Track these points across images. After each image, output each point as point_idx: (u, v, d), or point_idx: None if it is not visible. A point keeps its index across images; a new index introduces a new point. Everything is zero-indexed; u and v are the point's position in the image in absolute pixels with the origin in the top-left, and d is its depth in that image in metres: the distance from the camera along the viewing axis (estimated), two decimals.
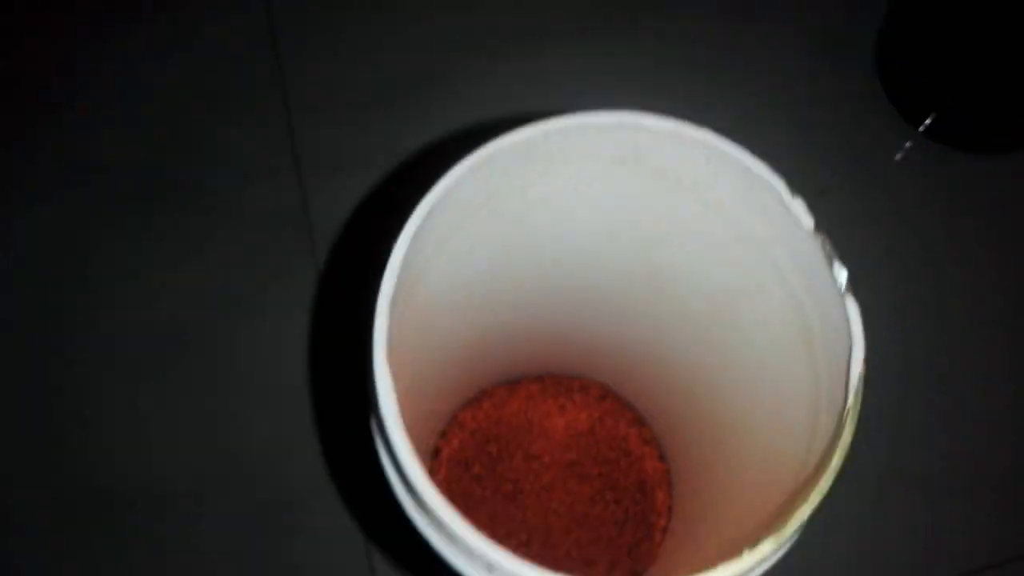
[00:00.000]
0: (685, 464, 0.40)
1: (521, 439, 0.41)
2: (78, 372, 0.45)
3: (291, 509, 0.42)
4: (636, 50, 0.52)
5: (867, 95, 0.50)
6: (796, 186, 0.24)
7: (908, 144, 0.50)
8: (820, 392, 0.24)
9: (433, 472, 0.41)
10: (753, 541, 0.20)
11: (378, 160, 0.50)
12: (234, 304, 0.47)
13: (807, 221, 0.23)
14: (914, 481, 0.43)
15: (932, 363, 0.45)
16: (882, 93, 0.50)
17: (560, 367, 0.43)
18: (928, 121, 0.48)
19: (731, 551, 0.24)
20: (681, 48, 0.52)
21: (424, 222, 0.24)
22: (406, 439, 0.21)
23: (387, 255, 0.24)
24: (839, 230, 0.48)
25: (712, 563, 0.20)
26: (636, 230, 0.29)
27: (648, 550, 0.39)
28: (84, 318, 0.46)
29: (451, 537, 0.21)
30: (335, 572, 0.42)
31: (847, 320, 0.22)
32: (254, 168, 0.50)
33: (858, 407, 0.22)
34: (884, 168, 0.49)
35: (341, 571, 0.42)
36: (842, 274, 0.23)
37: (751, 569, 0.20)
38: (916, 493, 0.42)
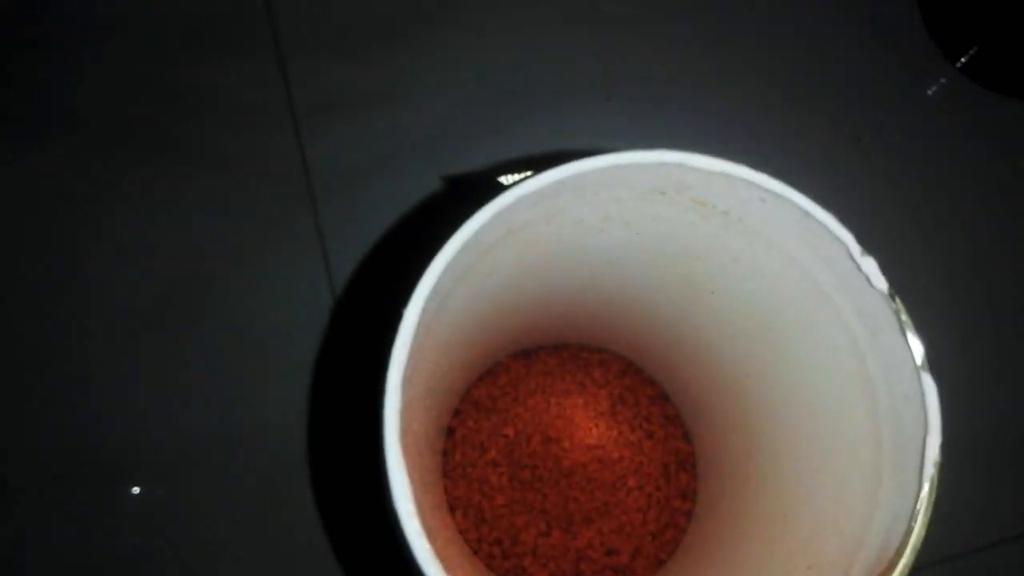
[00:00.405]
0: (711, 446, 0.38)
1: (539, 421, 0.39)
2: (62, 332, 0.42)
3: (279, 478, 0.41)
4: None
5: (906, 27, 0.46)
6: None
7: (943, 80, 0.46)
8: (882, 456, 0.22)
9: (447, 454, 0.40)
10: None
11: (376, 100, 0.46)
12: (227, 257, 0.44)
13: (880, 283, 0.20)
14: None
15: (965, 301, 0.43)
16: (921, 25, 0.46)
17: (578, 339, 0.41)
18: (965, 59, 0.44)
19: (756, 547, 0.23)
20: None
21: (437, 280, 0.21)
22: (429, 551, 0.19)
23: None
24: (872, 175, 0.46)
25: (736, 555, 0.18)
26: (669, 247, 0.26)
27: (672, 537, 0.38)
28: (69, 274, 0.43)
29: None
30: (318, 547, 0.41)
31: (921, 398, 0.20)
32: (245, 111, 0.46)
33: (932, 498, 0.20)
34: (918, 106, 0.46)
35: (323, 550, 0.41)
36: (919, 348, 0.20)
37: None
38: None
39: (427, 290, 0.20)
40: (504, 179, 0.22)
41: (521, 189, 0.21)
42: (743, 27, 0.47)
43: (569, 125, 0.47)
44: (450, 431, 0.40)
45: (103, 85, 0.46)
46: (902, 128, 0.47)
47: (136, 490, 0.41)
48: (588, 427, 0.39)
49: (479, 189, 0.23)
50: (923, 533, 0.19)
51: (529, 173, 0.22)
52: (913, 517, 0.19)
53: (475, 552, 0.37)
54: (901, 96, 0.47)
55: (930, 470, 0.20)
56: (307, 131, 0.45)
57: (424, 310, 0.21)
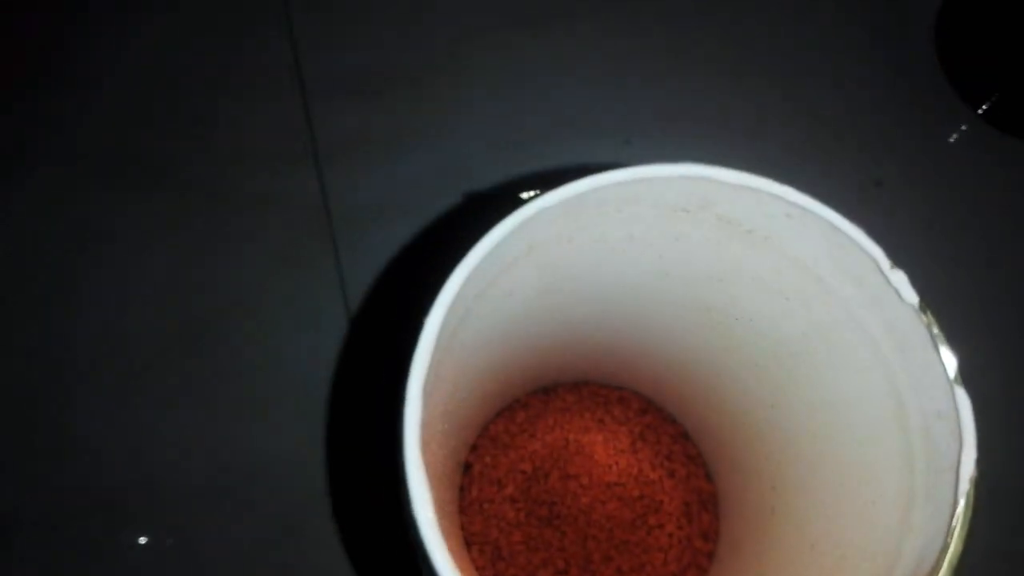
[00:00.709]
0: (734, 485, 0.37)
1: (557, 457, 0.39)
2: (81, 368, 0.42)
3: (297, 516, 0.40)
4: (673, 30, 0.48)
5: (926, 74, 0.46)
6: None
7: (964, 127, 0.46)
8: (915, 478, 0.21)
9: (464, 490, 0.39)
10: None
11: (395, 141, 0.47)
12: (248, 297, 0.44)
13: (910, 296, 0.20)
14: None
15: (990, 344, 0.43)
16: (941, 72, 0.46)
17: (598, 376, 0.40)
18: (986, 105, 0.45)
19: None
20: (733, 27, 0.48)
21: (460, 289, 0.21)
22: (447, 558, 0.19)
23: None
24: (896, 220, 0.46)
25: None
26: (691, 270, 0.26)
27: None
28: (88, 311, 0.43)
29: None
30: None
31: (955, 413, 0.19)
32: (269, 153, 0.46)
33: (969, 514, 0.19)
34: (940, 152, 0.46)
35: None
36: (952, 362, 0.19)
37: None
38: None
39: (449, 299, 0.20)
40: (525, 194, 0.22)
41: (543, 201, 0.21)
42: (766, 74, 0.48)
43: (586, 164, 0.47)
44: (467, 467, 0.39)
45: (132, 124, 0.47)
46: (924, 173, 0.46)
47: (143, 540, 0.40)
48: (608, 464, 0.38)
49: (500, 204, 0.23)
50: (960, 550, 0.19)
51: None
52: (949, 534, 0.19)
53: None
54: (923, 141, 0.47)
55: (966, 486, 0.19)
56: (328, 169, 0.46)
57: (445, 322, 0.21)
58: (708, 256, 0.25)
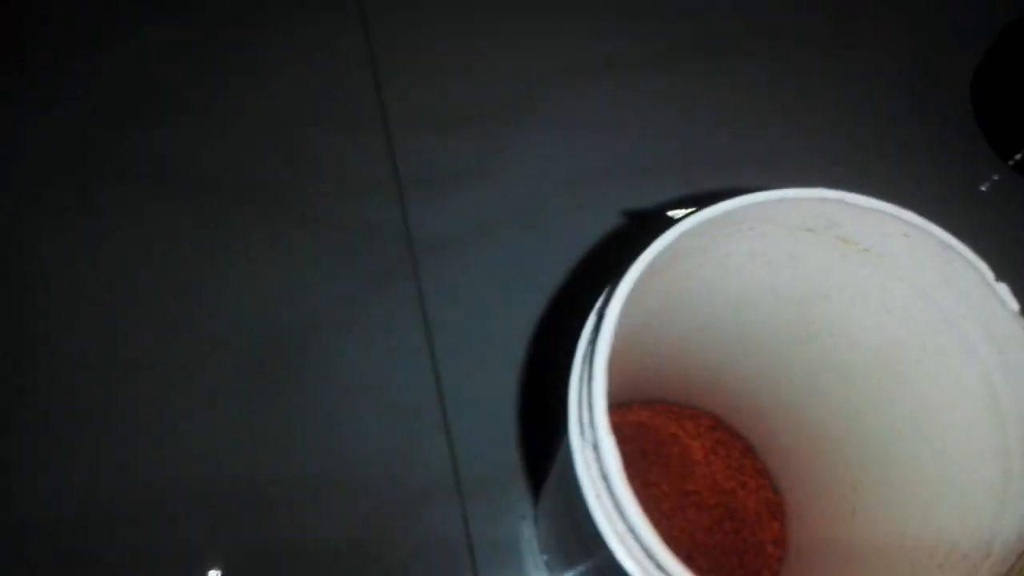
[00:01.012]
0: (804, 495, 0.40)
1: (637, 466, 0.42)
2: (167, 373, 0.45)
3: (379, 532, 0.43)
4: (727, 80, 0.52)
5: (962, 126, 0.51)
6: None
7: (996, 177, 0.51)
8: (1011, 461, 0.25)
9: None
10: None
11: (470, 174, 0.51)
12: (332, 315, 0.47)
13: (1013, 304, 0.24)
14: None
15: None
16: (975, 125, 0.51)
17: (671, 395, 0.43)
18: (1019, 156, 0.49)
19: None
20: (780, 80, 0.53)
21: (634, 283, 0.24)
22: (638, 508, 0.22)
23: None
24: None
25: None
26: (801, 287, 0.30)
27: None
28: (184, 317, 0.46)
29: None
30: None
31: None
32: (354, 181, 0.50)
33: None
34: (974, 200, 0.50)
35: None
36: None
37: None
38: None
39: (627, 289, 0.23)
40: (675, 213, 0.25)
41: (702, 215, 0.24)
42: (809, 124, 0.52)
43: (648, 202, 0.51)
44: None
45: (229, 154, 0.51)
46: (959, 219, 0.50)
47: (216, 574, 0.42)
48: (683, 475, 0.42)
49: (651, 221, 0.26)
50: None
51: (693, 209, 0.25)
52: None
53: None
54: (958, 190, 0.51)
55: None
56: (409, 199, 0.50)
57: (621, 308, 0.24)
58: (818, 274, 0.29)
